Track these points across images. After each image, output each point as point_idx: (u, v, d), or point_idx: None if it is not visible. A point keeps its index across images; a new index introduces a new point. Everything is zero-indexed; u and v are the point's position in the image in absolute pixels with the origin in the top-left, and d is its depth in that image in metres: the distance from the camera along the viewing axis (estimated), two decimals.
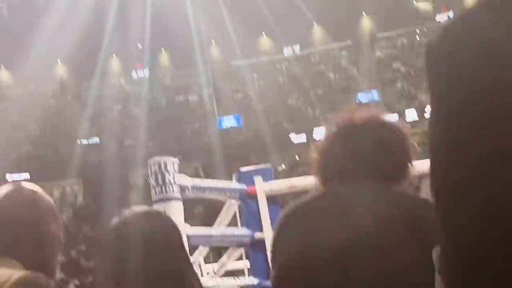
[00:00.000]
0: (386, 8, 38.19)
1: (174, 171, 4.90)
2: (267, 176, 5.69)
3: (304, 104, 37.31)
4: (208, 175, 37.67)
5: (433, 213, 2.03)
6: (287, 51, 41.39)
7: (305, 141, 36.32)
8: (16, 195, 2.38)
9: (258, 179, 5.61)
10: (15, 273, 2.15)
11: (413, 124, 35.64)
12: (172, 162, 4.89)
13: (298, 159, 38.01)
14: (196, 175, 39.22)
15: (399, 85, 36.75)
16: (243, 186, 5.61)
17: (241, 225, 5.80)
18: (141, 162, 34.78)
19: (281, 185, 5.76)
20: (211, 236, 5.54)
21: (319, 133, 35.83)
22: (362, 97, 36.47)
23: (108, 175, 31.46)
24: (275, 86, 39.11)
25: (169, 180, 4.84)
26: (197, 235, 5.39)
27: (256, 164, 6.55)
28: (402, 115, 34.52)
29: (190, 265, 2.42)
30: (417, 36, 39.69)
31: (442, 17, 40.26)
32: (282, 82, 39.58)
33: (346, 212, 2.13)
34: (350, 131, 2.31)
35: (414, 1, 41.97)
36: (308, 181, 5.21)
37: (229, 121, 38.04)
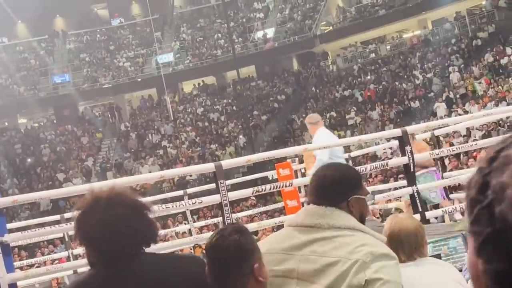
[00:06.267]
0: (74, 12, 36.83)
1: None
2: None
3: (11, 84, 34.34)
4: None
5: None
6: None
7: None
8: None
9: None
10: None
11: (96, 99, 34.88)
12: None
13: None
14: None
15: (85, 71, 35.52)
16: None
17: None
18: None
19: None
20: None
21: None
22: (57, 79, 34.73)
23: None
24: None
25: None
26: None
27: None
28: (87, 92, 33.64)
29: None
30: (97, 34, 38.79)
31: (115, 21, 39.88)
32: None
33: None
34: (99, 208, 1.94)
35: (95, 8, 40.82)
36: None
37: None
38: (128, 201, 2.00)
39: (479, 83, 24.23)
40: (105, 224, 1.92)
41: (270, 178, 11.43)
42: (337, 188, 2.14)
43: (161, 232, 10.97)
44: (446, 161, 11.11)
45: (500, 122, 18.58)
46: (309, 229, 2.10)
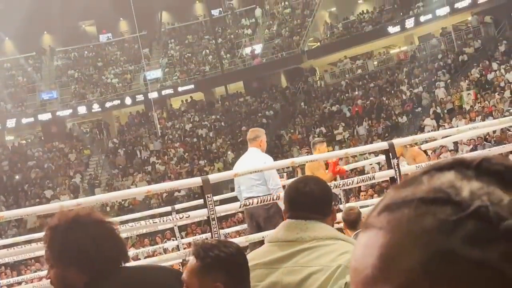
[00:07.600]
0: (62, 28, 36.75)
1: None
2: None
3: None
4: None
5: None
6: None
7: None
8: None
9: None
10: None
11: (84, 116, 34.80)
12: None
13: None
14: None
15: (72, 87, 35.45)
16: None
17: None
18: None
19: None
20: None
21: None
22: (45, 95, 34.65)
23: None
24: None
25: None
26: None
27: None
28: (75, 109, 33.55)
29: None
30: (85, 51, 38.77)
31: (103, 37, 39.89)
32: None
33: None
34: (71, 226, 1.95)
35: (83, 25, 40.78)
36: None
37: None
38: (95, 220, 1.99)
39: (468, 94, 24.45)
40: (75, 244, 1.91)
41: None
42: (321, 202, 2.16)
43: (149, 248, 10.93)
44: None
45: (487, 137, 18.75)
46: (291, 243, 2.11)
